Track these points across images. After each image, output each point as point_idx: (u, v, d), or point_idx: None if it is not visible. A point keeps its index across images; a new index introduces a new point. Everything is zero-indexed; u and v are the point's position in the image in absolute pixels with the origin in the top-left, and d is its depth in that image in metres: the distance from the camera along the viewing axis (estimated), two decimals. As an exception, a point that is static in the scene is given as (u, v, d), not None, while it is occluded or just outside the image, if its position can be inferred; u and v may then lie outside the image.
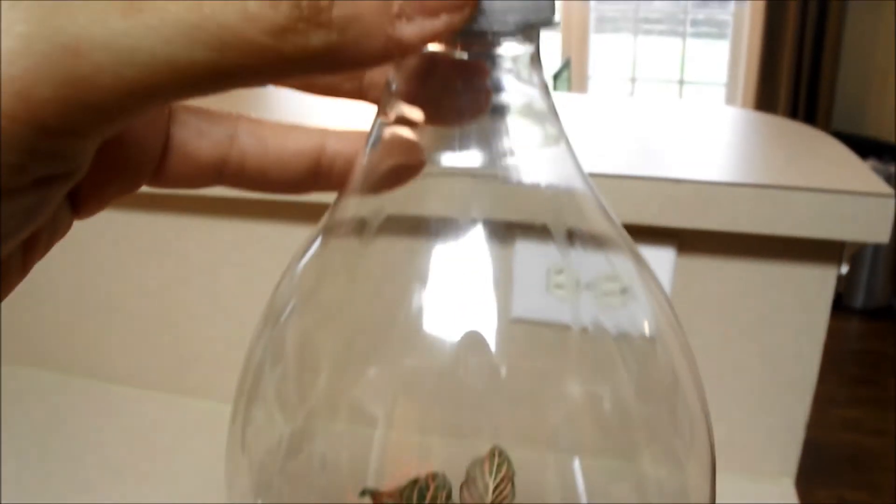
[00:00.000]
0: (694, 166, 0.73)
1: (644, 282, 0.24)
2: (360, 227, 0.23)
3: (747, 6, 3.66)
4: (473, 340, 0.22)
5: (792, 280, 0.72)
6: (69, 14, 0.14)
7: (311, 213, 0.79)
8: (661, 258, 0.73)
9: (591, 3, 3.94)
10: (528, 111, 0.21)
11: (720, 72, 3.86)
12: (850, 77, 3.45)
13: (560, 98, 1.36)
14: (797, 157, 0.79)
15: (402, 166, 0.22)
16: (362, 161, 0.22)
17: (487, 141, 0.21)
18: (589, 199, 0.23)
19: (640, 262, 0.24)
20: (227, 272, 0.86)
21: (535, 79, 0.21)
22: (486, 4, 0.18)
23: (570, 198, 0.23)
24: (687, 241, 0.72)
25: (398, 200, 0.22)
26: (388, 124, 0.22)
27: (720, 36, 3.85)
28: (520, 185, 0.22)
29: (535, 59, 0.21)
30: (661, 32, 4.04)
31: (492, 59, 0.21)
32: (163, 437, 0.85)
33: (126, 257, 0.89)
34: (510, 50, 0.21)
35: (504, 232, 0.22)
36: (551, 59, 3.96)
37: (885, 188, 0.67)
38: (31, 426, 0.86)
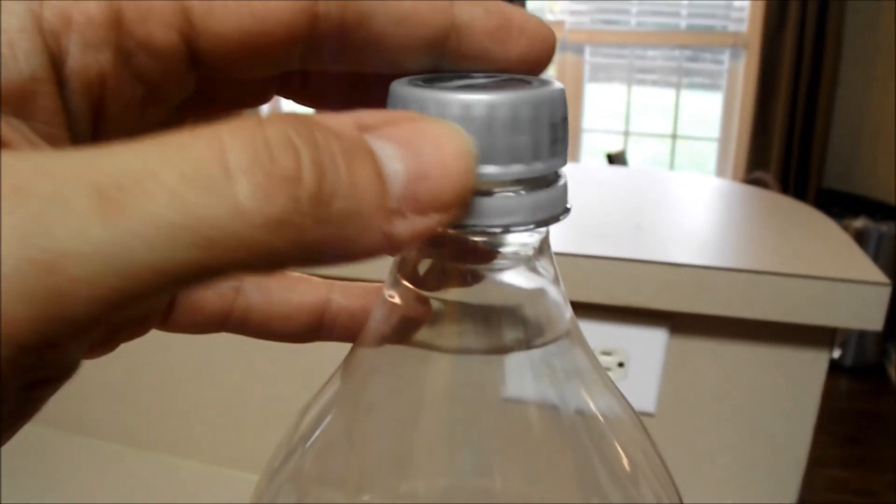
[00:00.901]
0: (688, 249, 0.73)
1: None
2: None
3: (742, 62, 3.69)
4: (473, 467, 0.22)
5: (784, 363, 0.72)
6: (45, 228, 0.12)
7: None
8: (654, 339, 0.73)
9: (586, 54, 3.97)
10: (534, 299, 0.21)
11: (713, 126, 3.89)
12: (843, 135, 3.48)
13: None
14: (792, 240, 0.79)
15: (405, 333, 0.22)
16: (371, 323, 0.23)
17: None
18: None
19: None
20: (222, 335, 0.86)
21: (543, 263, 0.21)
22: (493, 206, 0.18)
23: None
24: (680, 323, 0.72)
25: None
26: (393, 295, 0.22)
27: (714, 88, 3.88)
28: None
29: (545, 245, 0.21)
30: (654, 83, 4.07)
31: (498, 246, 0.21)
32: (156, 497, 0.85)
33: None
34: (518, 238, 0.21)
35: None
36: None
37: (879, 276, 0.67)
38: (26, 481, 0.85)
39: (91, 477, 0.88)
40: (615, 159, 3.51)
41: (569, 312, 0.22)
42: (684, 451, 0.76)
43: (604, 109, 4.14)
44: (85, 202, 0.13)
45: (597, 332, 0.74)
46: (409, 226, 0.16)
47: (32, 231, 0.12)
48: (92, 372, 0.92)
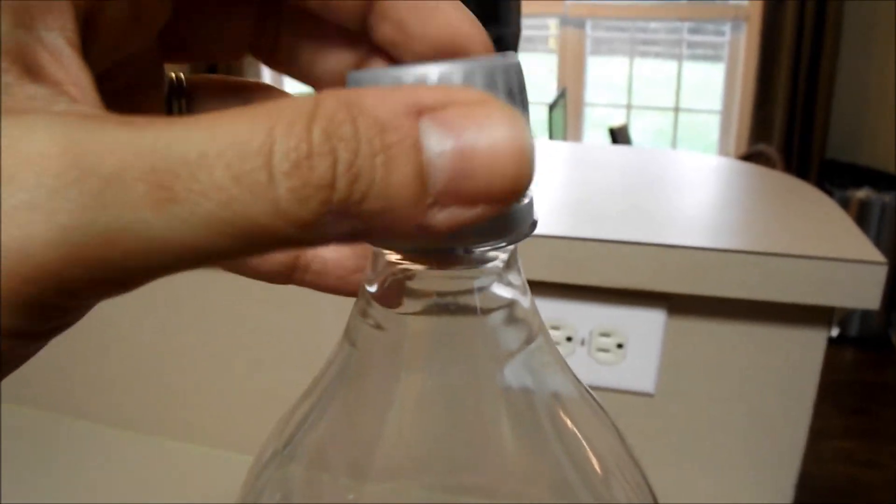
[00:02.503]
0: (685, 230, 0.73)
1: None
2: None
3: (743, 34, 3.67)
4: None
5: (782, 343, 0.72)
6: (105, 206, 0.14)
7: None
8: (652, 320, 0.73)
9: (588, 28, 3.95)
10: (504, 315, 0.22)
11: (716, 99, 3.88)
12: (845, 106, 3.46)
13: (553, 147, 1.36)
14: (789, 220, 0.79)
15: (383, 354, 0.22)
16: (346, 342, 0.23)
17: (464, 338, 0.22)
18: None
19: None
20: (220, 319, 0.86)
21: (512, 275, 0.21)
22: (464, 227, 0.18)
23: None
24: (677, 304, 0.73)
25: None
26: (368, 324, 0.22)
27: (716, 59, 3.87)
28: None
29: (512, 261, 0.21)
30: (656, 55, 4.06)
31: (467, 266, 0.21)
32: (155, 481, 0.85)
33: (123, 302, 0.89)
34: (487, 257, 0.21)
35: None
36: (547, 88, 3.98)
37: (876, 255, 0.67)
38: (27, 465, 0.86)
39: (91, 461, 0.88)
40: (618, 134, 3.50)
41: (538, 321, 0.22)
42: (683, 431, 0.77)
43: (606, 83, 4.12)
44: (142, 188, 0.14)
45: (595, 314, 0.74)
46: (447, 217, 0.15)
47: (97, 211, 0.14)
48: (92, 356, 0.93)
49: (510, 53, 0.19)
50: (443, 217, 0.15)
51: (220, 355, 0.88)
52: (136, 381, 0.92)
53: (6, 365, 0.16)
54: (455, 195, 0.15)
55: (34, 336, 0.16)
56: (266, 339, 0.85)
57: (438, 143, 0.15)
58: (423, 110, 0.15)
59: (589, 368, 0.75)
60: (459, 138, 0.15)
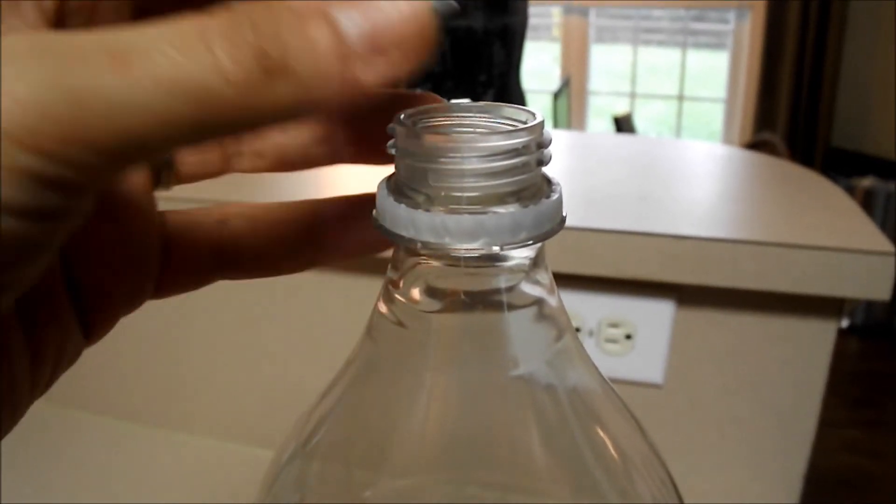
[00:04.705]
0: (694, 221, 0.73)
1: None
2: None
3: (747, 22, 3.66)
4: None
5: (792, 334, 0.72)
6: (70, 70, 0.15)
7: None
8: (661, 311, 0.73)
9: (591, 16, 3.94)
10: (531, 313, 0.21)
11: (720, 87, 3.87)
12: (850, 94, 3.45)
13: (557, 136, 1.36)
14: (798, 209, 0.78)
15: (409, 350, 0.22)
16: (370, 342, 0.22)
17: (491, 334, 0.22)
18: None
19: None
20: (227, 311, 0.86)
21: (539, 274, 0.21)
22: (490, 224, 0.18)
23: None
24: (687, 294, 0.72)
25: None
26: (390, 321, 0.22)
27: (720, 47, 3.86)
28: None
29: (540, 259, 0.21)
30: (660, 43, 4.05)
31: (495, 264, 0.20)
32: (161, 473, 0.85)
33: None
34: (517, 252, 0.20)
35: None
36: (551, 77, 3.97)
37: (887, 245, 0.66)
38: (30, 458, 0.86)
39: (98, 454, 0.88)
40: (622, 122, 3.49)
41: (566, 319, 0.22)
42: (692, 422, 0.77)
43: (610, 71, 4.11)
44: (102, 58, 0.16)
45: (604, 305, 0.74)
46: (372, 69, 0.17)
47: (58, 74, 0.15)
48: (99, 349, 0.93)
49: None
50: (366, 70, 0.17)
51: (226, 347, 0.88)
52: (142, 373, 0.92)
53: (10, 256, 0.17)
54: (371, 41, 0.17)
55: (35, 216, 0.16)
56: (273, 331, 0.85)
57: (344, 9, 0.17)
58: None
59: (597, 359, 0.74)
60: (363, 4, 0.17)
